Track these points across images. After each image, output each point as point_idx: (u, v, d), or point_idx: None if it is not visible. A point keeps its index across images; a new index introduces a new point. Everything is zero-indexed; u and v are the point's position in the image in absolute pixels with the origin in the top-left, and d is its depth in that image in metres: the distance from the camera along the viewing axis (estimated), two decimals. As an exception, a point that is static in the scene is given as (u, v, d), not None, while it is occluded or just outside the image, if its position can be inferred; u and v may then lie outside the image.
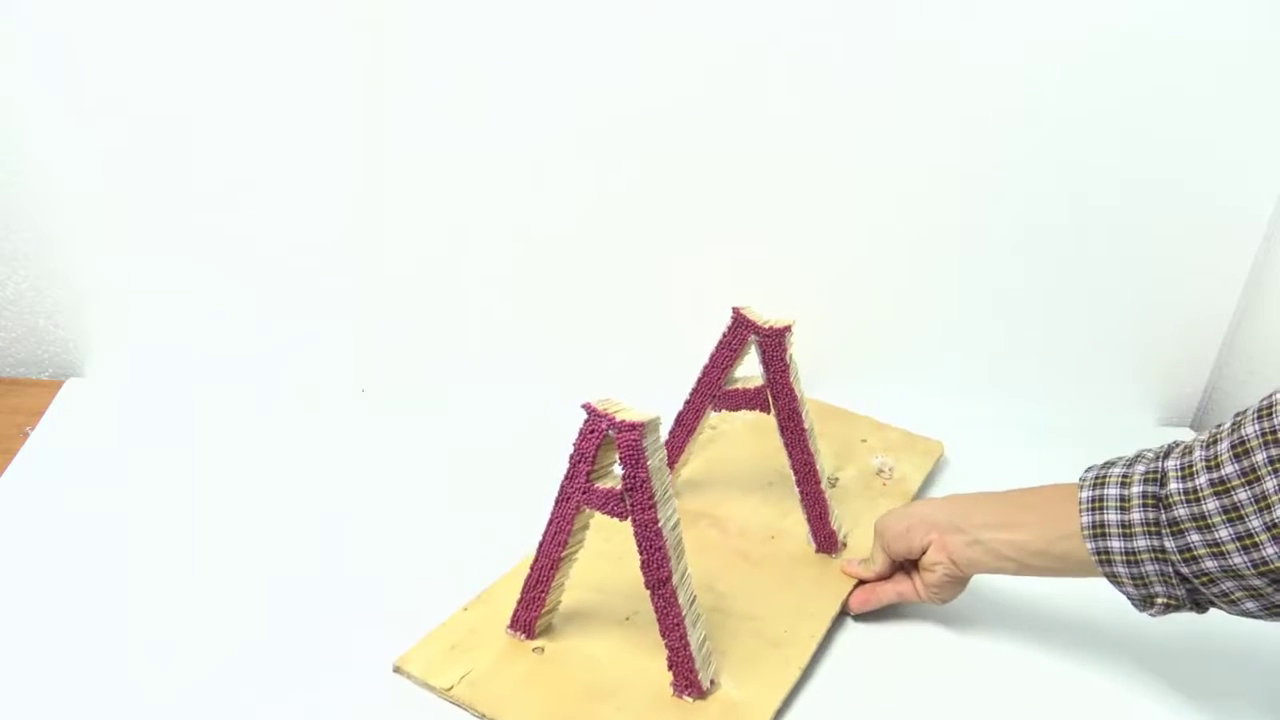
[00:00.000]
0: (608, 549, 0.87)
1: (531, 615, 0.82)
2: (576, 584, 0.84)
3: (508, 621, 0.83)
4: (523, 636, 0.83)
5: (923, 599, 0.89)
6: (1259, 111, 1.13)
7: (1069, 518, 0.78)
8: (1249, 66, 1.11)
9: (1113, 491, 0.76)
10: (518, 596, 0.83)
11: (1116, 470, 0.77)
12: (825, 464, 0.97)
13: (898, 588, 0.90)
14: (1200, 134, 1.15)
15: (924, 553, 0.87)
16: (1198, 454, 0.73)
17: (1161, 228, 1.19)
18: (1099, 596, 0.81)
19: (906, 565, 0.91)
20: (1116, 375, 1.27)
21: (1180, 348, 1.26)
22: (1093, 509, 0.76)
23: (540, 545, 0.81)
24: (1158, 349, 1.26)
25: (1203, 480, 0.71)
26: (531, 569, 0.82)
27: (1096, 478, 0.78)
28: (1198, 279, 1.22)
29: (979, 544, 0.83)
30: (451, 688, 0.78)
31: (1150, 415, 1.29)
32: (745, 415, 1.00)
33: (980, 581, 0.91)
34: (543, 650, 0.83)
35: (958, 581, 0.87)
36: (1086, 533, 0.76)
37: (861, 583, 0.93)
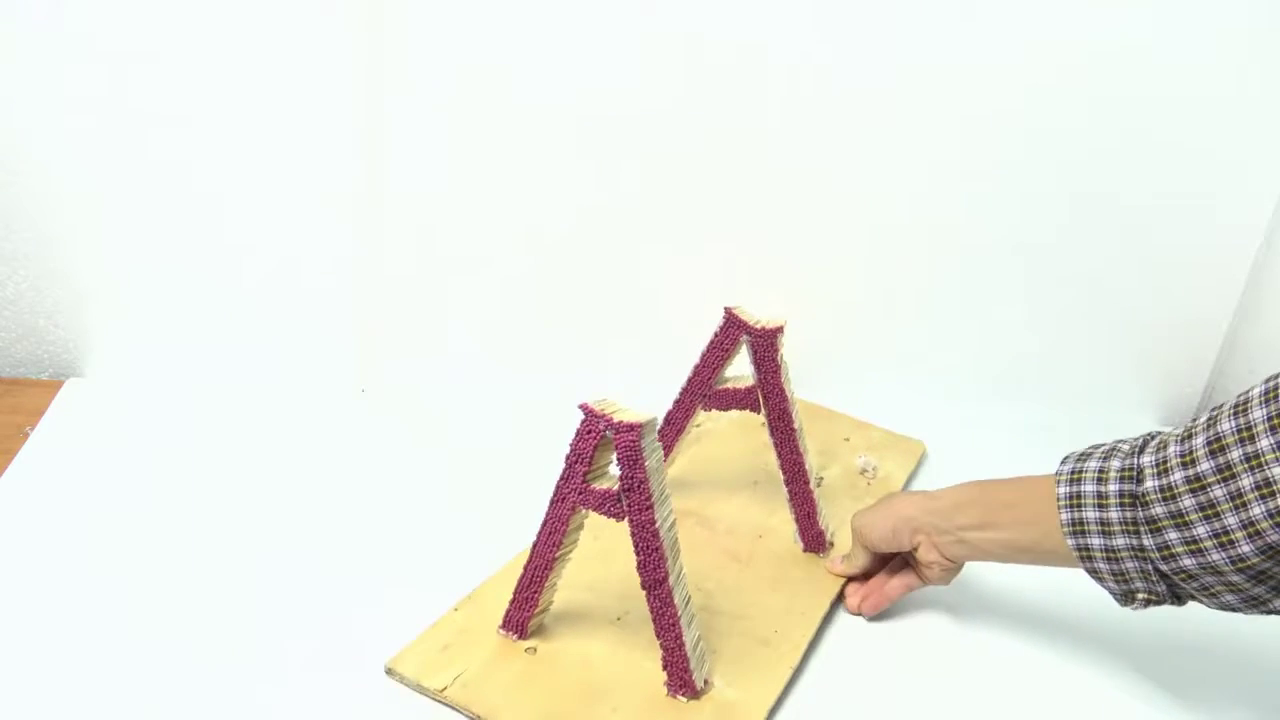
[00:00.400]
0: (596, 547, 0.87)
1: (524, 615, 0.82)
2: (567, 583, 0.84)
3: (499, 622, 0.83)
4: (515, 637, 0.83)
5: (928, 583, 0.90)
6: (1259, 112, 1.13)
7: (1049, 515, 0.78)
8: (1249, 67, 1.11)
9: (1089, 488, 0.76)
10: (508, 596, 0.83)
11: (1092, 464, 0.77)
12: (811, 463, 0.97)
13: (905, 581, 0.90)
14: (1200, 134, 1.14)
15: (915, 548, 0.87)
16: (1172, 449, 0.73)
17: (1162, 228, 1.19)
18: (1085, 593, 0.81)
19: (903, 555, 0.91)
20: (1116, 375, 1.27)
21: (1180, 348, 1.26)
22: (1071, 506, 0.76)
23: (534, 545, 0.81)
24: (1158, 349, 1.26)
25: (1178, 476, 0.71)
26: (525, 569, 0.82)
27: (1072, 472, 0.78)
28: (1198, 279, 1.22)
29: (964, 543, 0.84)
30: (445, 689, 0.78)
31: (1150, 415, 1.28)
32: (731, 413, 1.01)
33: (970, 578, 0.92)
34: (535, 650, 0.83)
35: (954, 570, 0.88)
36: (1066, 530, 0.77)
37: (849, 581, 0.94)
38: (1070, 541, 0.77)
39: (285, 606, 0.86)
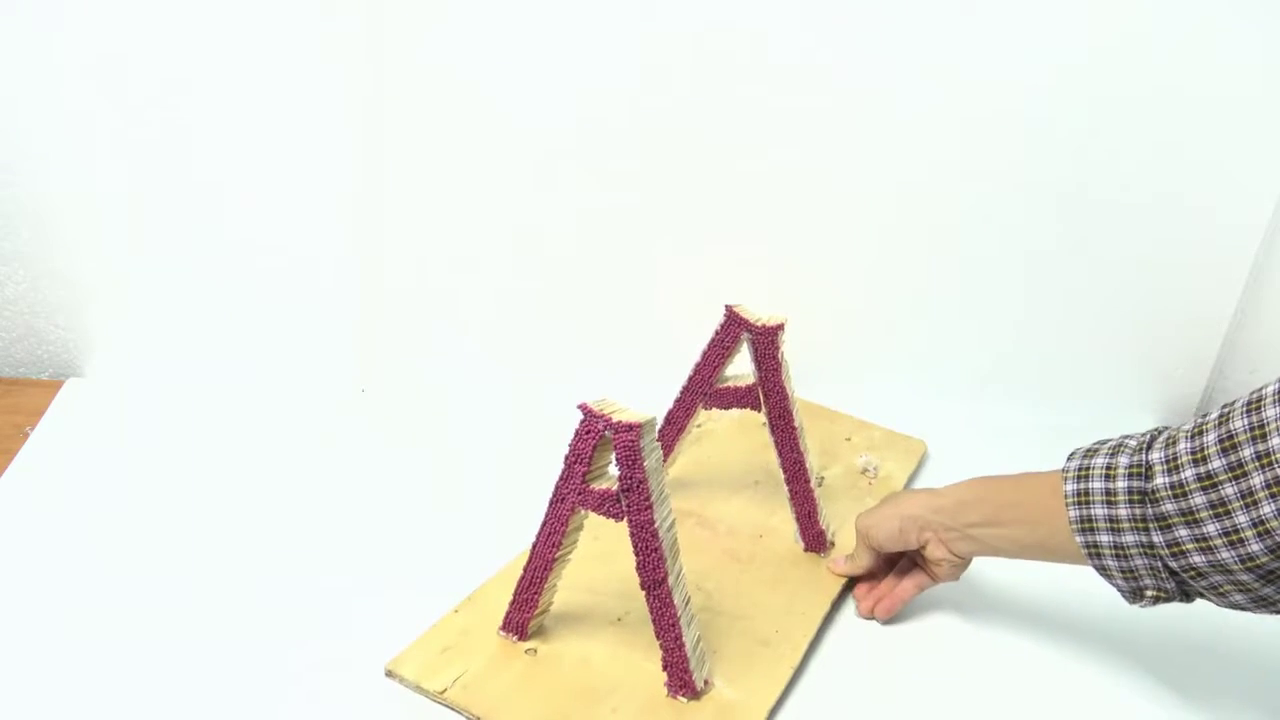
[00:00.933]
0: (595, 548, 0.87)
1: (524, 616, 0.82)
2: (567, 584, 0.84)
3: (499, 623, 0.83)
4: (515, 638, 0.83)
5: (938, 581, 0.90)
6: (1259, 112, 1.13)
7: (1056, 512, 0.78)
8: (1249, 67, 1.11)
9: (1097, 485, 0.76)
10: (508, 598, 0.83)
11: (1100, 460, 0.77)
12: (812, 463, 0.97)
13: (916, 581, 0.90)
14: (1200, 134, 1.14)
15: (923, 546, 0.87)
16: (1183, 445, 0.72)
17: (1161, 228, 1.18)
18: (1089, 591, 0.81)
19: (910, 555, 0.91)
20: (1116, 375, 1.27)
21: (1180, 348, 1.25)
22: (1079, 503, 0.76)
23: (534, 546, 0.81)
24: (1158, 349, 1.25)
25: (1189, 474, 0.71)
26: (525, 570, 0.82)
27: (1079, 469, 0.77)
28: (1198, 279, 1.21)
29: (972, 539, 0.84)
30: (445, 690, 0.78)
31: (1151, 415, 1.28)
32: (731, 413, 1.01)
33: (972, 577, 0.92)
34: (535, 652, 0.83)
35: (964, 565, 0.88)
36: (1075, 527, 0.76)
37: (851, 582, 0.94)
38: (1079, 539, 0.76)
39: (285, 608, 0.86)
